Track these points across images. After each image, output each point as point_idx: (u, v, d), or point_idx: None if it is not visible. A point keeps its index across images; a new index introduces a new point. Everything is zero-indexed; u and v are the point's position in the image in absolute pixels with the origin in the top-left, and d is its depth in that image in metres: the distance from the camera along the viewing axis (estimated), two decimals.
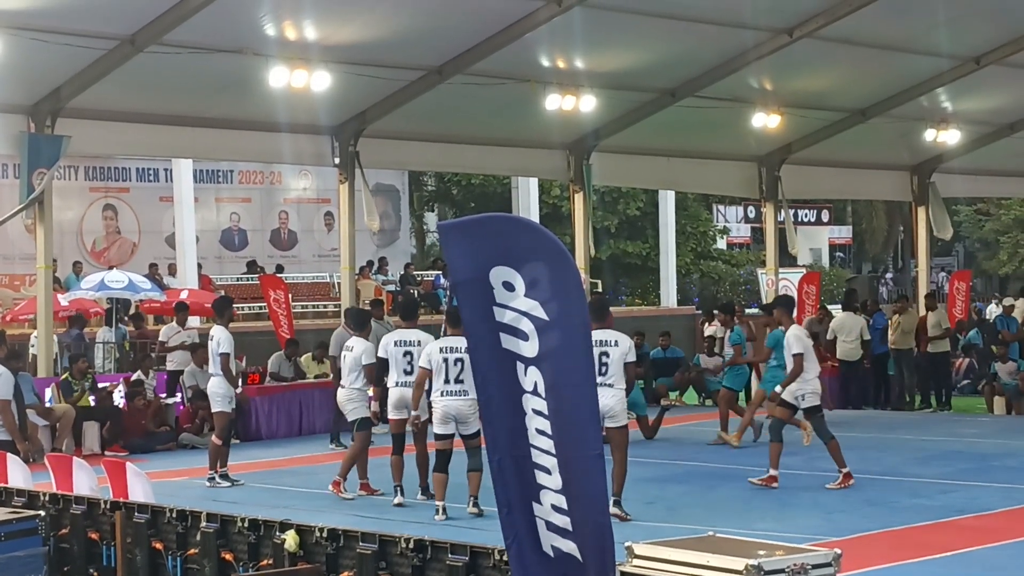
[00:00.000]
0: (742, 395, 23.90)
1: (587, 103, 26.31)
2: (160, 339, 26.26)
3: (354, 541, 10.13)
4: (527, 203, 43.82)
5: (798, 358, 17.20)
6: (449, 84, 25.20)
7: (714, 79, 27.11)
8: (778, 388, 17.43)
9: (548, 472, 6.89)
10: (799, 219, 55.85)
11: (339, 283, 32.30)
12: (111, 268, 32.07)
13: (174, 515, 11.68)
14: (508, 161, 30.62)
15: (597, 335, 14.34)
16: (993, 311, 39.05)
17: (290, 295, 29.35)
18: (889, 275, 69.20)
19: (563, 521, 6.95)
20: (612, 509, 14.02)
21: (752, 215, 60.00)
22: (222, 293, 28.70)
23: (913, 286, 38.15)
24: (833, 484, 17.10)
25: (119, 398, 23.92)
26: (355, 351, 16.98)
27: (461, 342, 14.86)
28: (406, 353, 16.33)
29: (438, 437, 15.42)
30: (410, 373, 16.26)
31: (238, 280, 39.38)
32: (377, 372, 16.71)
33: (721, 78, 27.03)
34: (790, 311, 18.68)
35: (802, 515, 15.34)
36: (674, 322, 36.41)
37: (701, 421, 24.67)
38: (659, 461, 19.91)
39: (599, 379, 14.22)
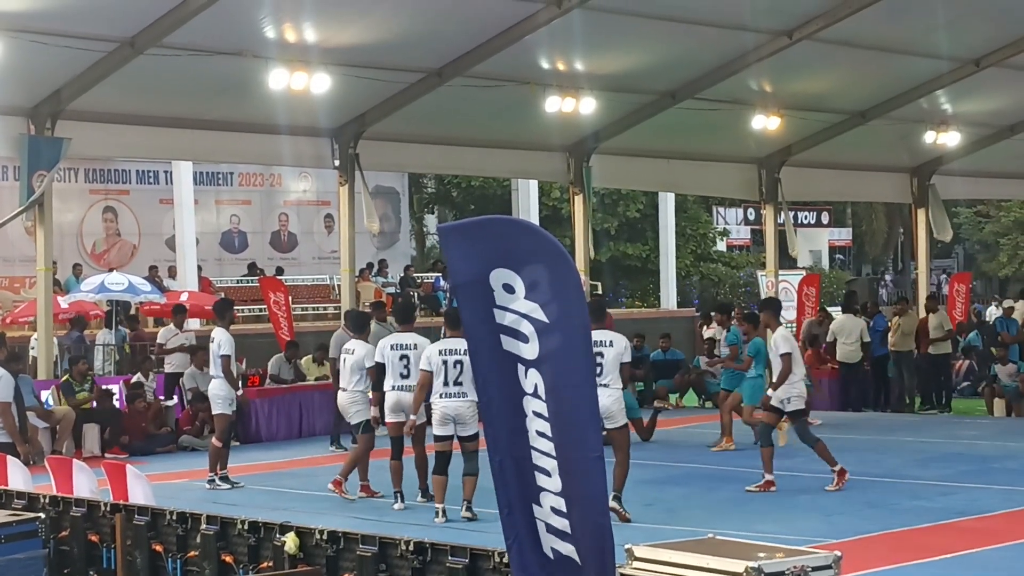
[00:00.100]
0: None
1: (587, 105, 26.32)
2: (158, 341, 26.26)
3: (354, 543, 10.13)
4: (527, 205, 43.81)
5: (787, 358, 17.16)
6: (449, 86, 25.21)
7: (714, 81, 27.13)
8: (769, 391, 17.36)
9: (548, 474, 6.89)
10: (799, 221, 55.91)
11: (339, 285, 32.32)
12: (111, 270, 32.06)
13: (174, 517, 11.67)
14: (508, 163, 30.63)
15: (593, 336, 14.34)
16: (993, 313, 39.07)
17: (290, 297, 29.36)
18: (889, 277, 69.21)
19: (562, 524, 6.95)
20: (611, 504, 14.04)
21: (752, 217, 60.05)
22: (222, 295, 28.66)
23: (913, 288, 38.15)
24: (831, 486, 17.08)
25: (115, 401, 23.92)
26: (356, 354, 16.97)
27: (460, 344, 14.87)
28: (402, 357, 16.33)
29: (437, 439, 15.43)
30: (406, 376, 16.26)
31: (238, 282, 39.38)
32: (375, 376, 16.70)
33: (721, 80, 27.04)
34: (778, 314, 18.66)
35: (802, 517, 15.34)
36: (674, 324, 36.40)
37: (701, 423, 24.68)
38: (658, 463, 19.91)
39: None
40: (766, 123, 28.77)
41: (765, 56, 25.88)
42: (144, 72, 22.54)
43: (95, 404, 23.32)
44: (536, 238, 6.97)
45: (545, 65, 25.69)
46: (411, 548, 9.69)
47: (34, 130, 23.42)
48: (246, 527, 10.98)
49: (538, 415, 6.86)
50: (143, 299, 29.90)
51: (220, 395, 18.30)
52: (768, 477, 17.13)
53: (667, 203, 47.22)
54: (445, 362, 15.20)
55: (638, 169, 31.54)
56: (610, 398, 14.69)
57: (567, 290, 6.84)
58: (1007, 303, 35.69)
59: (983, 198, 56.63)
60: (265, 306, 29.34)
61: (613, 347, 14.90)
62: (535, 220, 42.78)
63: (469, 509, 15.10)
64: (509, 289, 6.82)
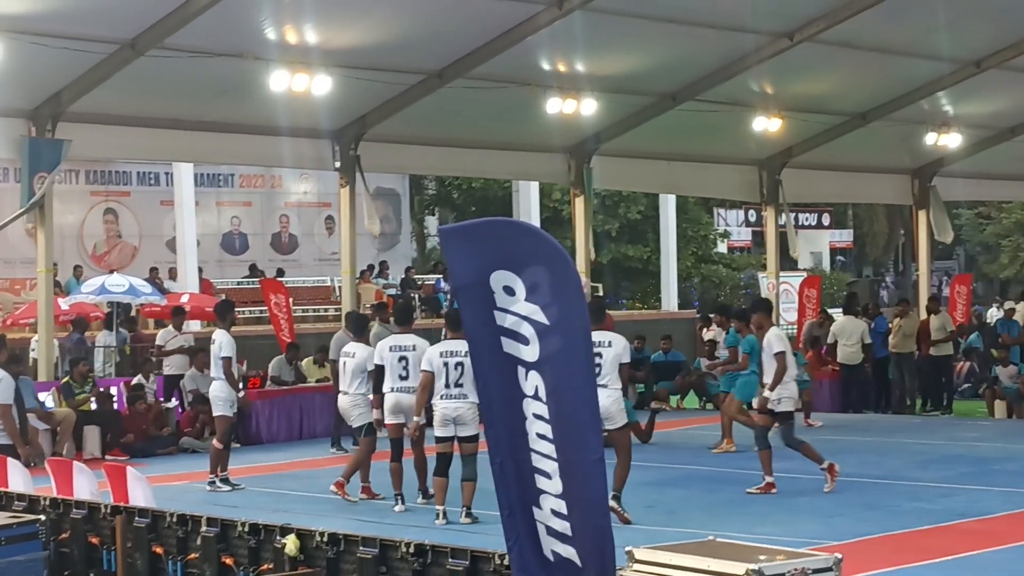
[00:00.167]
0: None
1: (588, 107, 26.33)
2: (157, 343, 26.27)
3: (354, 545, 10.13)
4: (528, 207, 43.79)
5: (781, 356, 17.12)
6: (450, 88, 25.22)
7: (715, 83, 27.14)
8: (767, 392, 17.25)
9: (548, 476, 6.89)
10: (800, 223, 55.86)
11: (340, 287, 32.31)
12: (112, 272, 32.05)
13: (174, 519, 11.68)
14: (509, 165, 30.64)
15: (592, 337, 14.36)
16: (994, 314, 39.03)
17: (291, 299, 29.35)
18: (890, 279, 69.20)
19: (563, 526, 6.94)
20: (610, 503, 14.03)
21: (753, 219, 60.01)
22: (223, 297, 28.66)
23: (914, 290, 38.15)
24: (828, 487, 17.03)
25: (115, 403, 23.93)
26: (357, 357, 16.95)
27: (461, 346, 14.86)
28: (401, 358, 16.32)
29: (438, 440, 15.44)
30: (405, 378, 16.26)
31: (239, 284, 39.37)
32: (375, 379, 16.68)
33: (722, 82, 27.05)
34: (769, 313, 18.64)
35: (802, 519, 15.33)
36: (675, 326, 36.38)
37: (701, 425, 24.66)
38: (659, 465, 19.90)
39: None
40: (767, 125, 28.79)
41: (766, 58, 25.89)
42: (145, 74, 22.55)
43: (95, 406, 23.31)
44: (536, 240, 6.97)
45: (546, 66, 25.69)
46: (411, 550, 9.70)
47: (35, 132, 23.43)
48: (246, 529, 10.98)
49: (538, 417, 6.86)
50: (144, 301, 29.90)
51: (221, 397, 18.30)
52: (768, 479, 17.12)
53: (668, 205, 47.19)
54: (446, 364, 15.21)
55: (639, 171, 31.54)
56: (609, 399, 14.69)
57: (567, 292, 6.84)
58: (1008, 305, 35.68)
59: (984, 200, 56.61)
60: (266, 308, 29.34)
61: (612, 348, 14.91)
62: (536, 222, 42.76)
63: (469, 515, 15.09)
64: (510, 291, 6.82)
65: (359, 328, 17.92)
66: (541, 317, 6.78)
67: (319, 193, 44.37)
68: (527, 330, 6.81)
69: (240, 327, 26.97)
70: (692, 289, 52.95)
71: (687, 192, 42.62)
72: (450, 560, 9.39)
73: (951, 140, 31.76)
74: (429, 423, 15.82)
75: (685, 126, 28.66)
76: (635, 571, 7.59)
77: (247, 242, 44.40)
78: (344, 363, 17.20)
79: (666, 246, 47.42)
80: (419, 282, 41.00)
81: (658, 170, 31.56)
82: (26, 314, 30.14)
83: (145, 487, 13.41)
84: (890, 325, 28.64)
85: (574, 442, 6.86)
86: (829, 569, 7.53)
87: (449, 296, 36.14)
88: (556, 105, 26.15)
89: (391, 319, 22.26)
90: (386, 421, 16.56)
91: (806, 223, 61.95)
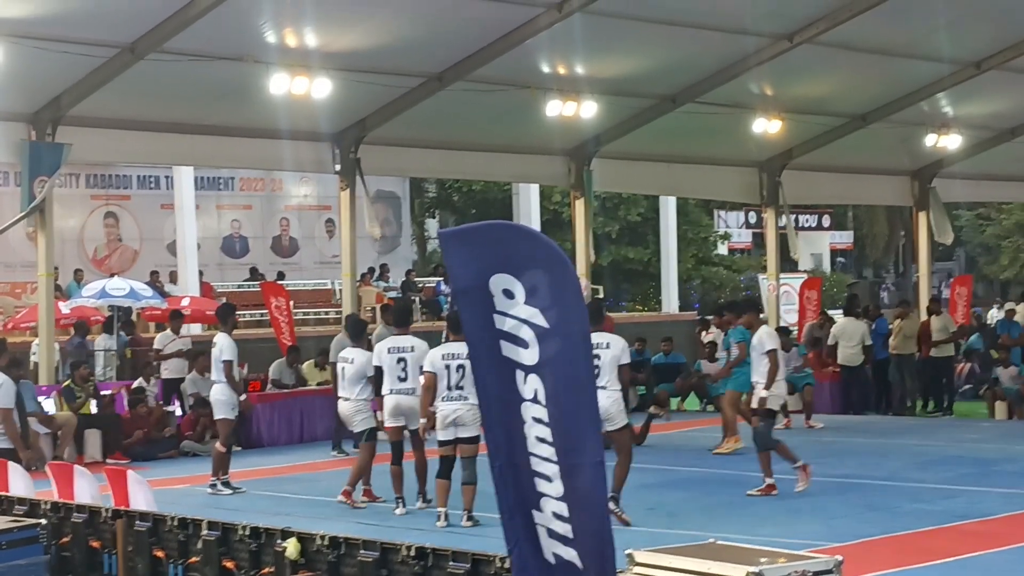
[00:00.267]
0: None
1: (588, 109, 26.33)
2: (155, 347, 26.29)
3: (355, 549, 10.11)
4: (528, 209, 43.81)
5: (773, 354, 17.14)
6: (450, 91, 25.22)
7: (715, 85, 27.14)
8: (763, 393, 17.20)
9: (549, 480, 6.88)
10: (800, 224, 55.85)
11: (340, 290, 32.31)
12: (112, 276, 32.04)
13: (175, 523, 11.66)
14: (509, 168, 30.65)
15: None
16: (994, 316, 39.04)
17: (291, 302, 29.36)
18: (890, 280, 69.21)
19: (564, 528, 6.94)
20: (609, 505, 14.03)
21: (753, 220, 60.02)
22: (223, 300, 28.68)
23: (914, 291, 38.15)
24: (800, 486, 16.94)
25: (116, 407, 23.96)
26: (357, 363, 16.92)
27: (462, 348, 14.86)
28: (400, 360, 16.32)
29: (441, 444, 15.49)
30: (404, 380, 16.28)
31: (239, 287, 39.37)
32: (375, 381, 16.69)
33: (722, 84, 27.05)
34: (758, 312, 18.63)
35: (803, 521, 15.35)
36: (676, 328, 36.36)
37: (702, 427, 24.68)
38: (660, 467, 19.91)
39: None
40: (767, 126, 28.79)
41: (766, 60, 25.89)
42: (145, 77, 22.56)
43: (96, 409, 23.32)
44: (536, 243, 6.96)
45: (546, 69, 25.70)
46: (412, 553, 9.68)
47: (35, 136, 23.45)
48: (247, 533, 10.97)
49: (538, 421, 6.85)
50: (144, 304, 29.89)
51: (222, 400, 18.31)
52: (769, 481, 17.13)
53: (668, 207, 47.22)
54: (448, 366, 15.25)
55: (639, 173, 31.55)
56: (608, 399, 14.75)
57: (567, 295, 6.83)
58: (1008, 306, 35.69)
59: (984, 201, 56.61)
60: (266, 311, 29.35)
61: (610, 349, 14.96)
62: (536, 224, 42.81)
63: (470, 518, 15.11)
64: (509, 294, 6.82)
65: (357, 332, 17.92)
66: (540, 320, 6.78)
67: (319, 196, 44.40)
68: (526, 333, 6.80)
69: (241, 330, 26.97)
70: (693, 291, 52.96)
71: (687, 194, 42.65)
72: (451, 563, 9.37)
73: (951, 141, 31.75)
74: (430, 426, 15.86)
75: (685, 128, 28.67)
76: (635, 574, 7.57)
77: (247, 245, 44.42)
78: (343, 368, 17.15)
79: (666, 248, 47.45)
80: (420, 285, 41.01)
81: (658, 172, 31.57)
82: (27, 318, 30.15)
83: (146, 491, 13.39)
84: (890, 327, 28.65)
85: (574, 445, 6.85)
86: (830, 571, 7.51)
87: (450, 299, 36.14)
88: (556, 107, 26.16)
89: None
90: (386, 424, 16.58)
91: (806, 225, 61.96)
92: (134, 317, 31.64)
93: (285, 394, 25.32)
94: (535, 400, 6.83)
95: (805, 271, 47.81)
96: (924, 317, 29.65)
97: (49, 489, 14.58)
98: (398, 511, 16.26)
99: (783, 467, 17.72)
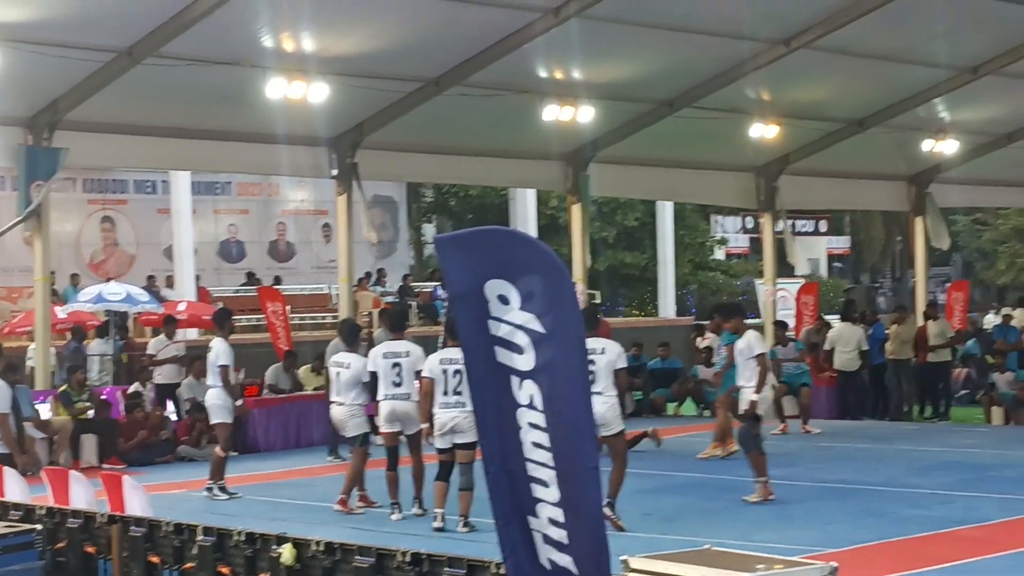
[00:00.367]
0: None
1: (585, 114, 26.34)
2: (149, 352, 26.27)
3: (351, 555, 10.11)
4: (525, 214, 43.84)
5: (763, 358, 17.13)
6: (447, 96, 25.22)
7: (712, 90, 27.15)
8: (753, 397, 17.15)
9: (545, 485, 6.88)
10: (797, 229, 55.88)
11: (337, 295, 32.29)
12: (109, 280, 32.04)
13: (171, 528, 11.66)
14: (506, 172, 30.63)
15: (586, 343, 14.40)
16: (991, 321, 39.05)
17: (288, 307, 29.34)
18: (887, 285, 69.24)
19: (559, 534, 6.94)
20: (604, 510, 14.03)
21: (750, 225, 60.04)
22: (220, 305, 28.68)
23: (911, 296, 38.16)
24: (751, 497, 16.90)
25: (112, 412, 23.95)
26: (353, 368, 16.90)
27: (460, 354, 14.86)
28: (395, 365, 16.31)
29: (439, 451, 15.49)
30: (399, 385, 16.27)
31: (236, 292, 39.36)
32: (370, 386, 16.68)
33: (719, 89, 27.06)
34: (743, 317, 18.60)
35: (800, 526, 15.33)
36: (672, 333, 36.40)
37: (699, 432, 24.63)
38: (656, 472, 19.88)
39: None
40: (764, 131, 28.79)
41: (763, 65, 25.90)
42: (142, 82, 22.55)
43: (92, 414, 23.30)
44: (531, 249, 6.96)
45: (543, 74, 25.70)
46: (408, 559, 9.68)
47: (32, 140, 23.43)
48: (243, 538, 10.96)
49: (534, 426, 6.86)
50: (141, 309, 29.86)
51: (219, 404, 18.30)
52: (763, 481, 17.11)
53: (665, 212, 47.22)
54: (445, 371, 15.26)
55: (636, 178, 31.55)
56: (604, 405, 14.75)
57: (562, 301, 6.83)
58: (1005, 311, 35.72)
59: (981, 206, 56.63)
60: (263, 316, 29.33)
61: (605, 354, 14.95)
62: (533, 229, 42.86)
63: (467, 524, 15.09)
64: (504, 300, 6.82)
65: (351, 337, 17.88)
66: (536, 326, 6.78)
67: (316, 201, 44.40)
68: (522, 339, 6.80)
69: (237, 335, 26.97)
70: (689, 296, 52.97)
71: (684, 199, 42.66)
72: (447, 569, 9.38)
73: (948, 146, 31.76)
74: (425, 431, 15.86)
75: (682, 133, 28.67)
76: None
77: (244, 250, 44.43)
78: (338, 373, 17.12)
79: (663, 253, 47.45)
80: (416, 290, 41.01)
81: (655, 177, 31.58)
82: (23, 322, 30.15)
83: (142, 496, 13.38)
84: (887, 332, 28.65)
85: (570, 450, 6.85)
86: None
87: (447, 304, 36.14)
88: (553, 112, 26.17)
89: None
90: (382, 429, 16.57)
91: (803, 229, 61.98)
92: (130, 322, 31.63)
93: (281, 399, 25.29)
94: (531, 406, 6.84)
95: (802, 276, 47.85)
96: (921, 322, 29.65)
97: (45, 494, 14.57)
98: (394, 516, 16.24)
99: (781, 472, 17.73)
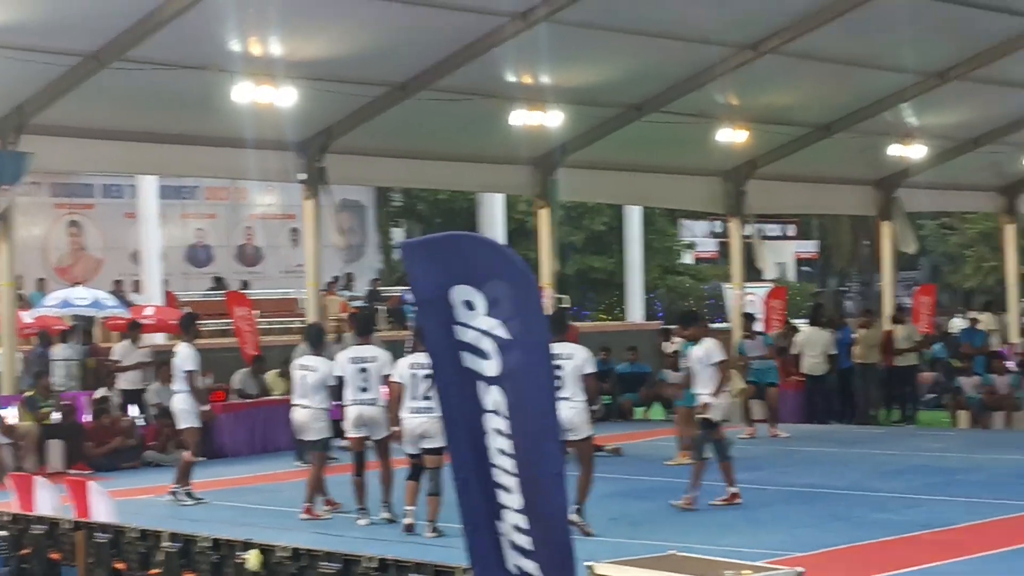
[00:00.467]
0: None
1: (553, 118, 26.32)
2: (114, 357, 26.17)
3: (317, 560, 10.08)
4: (493, 218, 43.80)
5: (724, 365, 17.17)
6: (415, 100, 25.20)
7: (680, 94, 27.18)
8: (710, 400, 17.15)
9: (509, 491, 6.88)
10: (765, 233, 55.97)
11: (305, 299, 32.18)
12: (76, 285, 31.91)
13: (136, 535, 11.61)
14: (474, 177, 30.60)
15: (553, 349, 14.43)
16: (958, 325, 39.18)
17: (256, 311, 29.27)
18: (855, 289, 69.38)
19: (524, 540, 6.93)
20: (572, 516, 14.05)
21: (719, 230, 60.10)
22: (187, 310, 28.56)
23: (878, 300, 38.25)
24: (678, 502, 16.93)
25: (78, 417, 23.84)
26: (320, 371, 16.89)
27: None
28: (362, 370, 16.29)
29: (409, 455, 15.52)
30: (366, 390, 16.26)
31: (204, 296, 39.24)
32: (336, 390, 16.66)
33: (687, 93, 27.10)
34: (704, 324, 18.63)
35: (767, 530, 15.35)
36: (641, 337, 36.37)
37: (667, 436, 24.63)
38: (624, 477, 19.90)
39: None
40: (732, 136, 28.81)
41: (730, 69, 25.95)
42: (109, 86, 22.47)
43: (58, 419, 23.20)
44: (497, 255, 6.95)
45: (511, 78, 25.68)
46: (375, 565, 9.66)
47: None
48: (209, 544, 10.92)
49: (498, 432, 6.85)
50: (108, 314, 29.76)
51: (185, 409, 18.27)
52: (732, 490, 17.13)
53: (633, 216, 47.24)
54: (415, 376, 15.26)
55: (604, 182, 31.53)
56: (572, 410, 14.77)
57: (528, 307, 6.82)
58: (972, 315, 35.85)
59: (947, 210, 56.80)
60: (231, 320, 29.25)
61: (573, 359, 14.96)
62: (501, 233, 42.84)
63: (434, 529, 15.09)
64: (470, 306, 6.81)
65: (317, 340, 17.86)
66: (502, 332, 6.77)
67: (284, 205, 44.26)
68: (487, 345, 6.80)
69: (205, 340, 26.88)
70: (658, 300, 53.01)
71: (652, 203, 42.69)
72: (413, 575, 9.35)
73: (914, 151, 31.86)
74: (393, 435, 15.86)
75: (650, 137, 28.68)
76: None
77: (212, 254, 44.30)
78: (304, 376, 17.10)
79: (631, 257, 47.46)
80: (385, 294, 40.91)
81: (623, 181, 31.57)
82: None
83: (107, 502, 13.34)
84: (855, 336, 28.73)
85: (535, 457, 6.84)
86: None
87: (415, 308, 36.04)
88: (521, 117, 26.15)
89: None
90: (349, 434, 16.55)
91: (771, 234, 62.06)
92: (97, 327, 31.48)
93: (249, 404, 25.23)
94: (496, 411, 6.83)
95: (770, 280, 47.92)
96: (888, 326, 29.74)
97: (9, 500, 14.51)
98: (361, 522, 16.22)
99: (748, 476, 17.75)
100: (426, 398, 15.09)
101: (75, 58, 22.05)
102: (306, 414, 17.01)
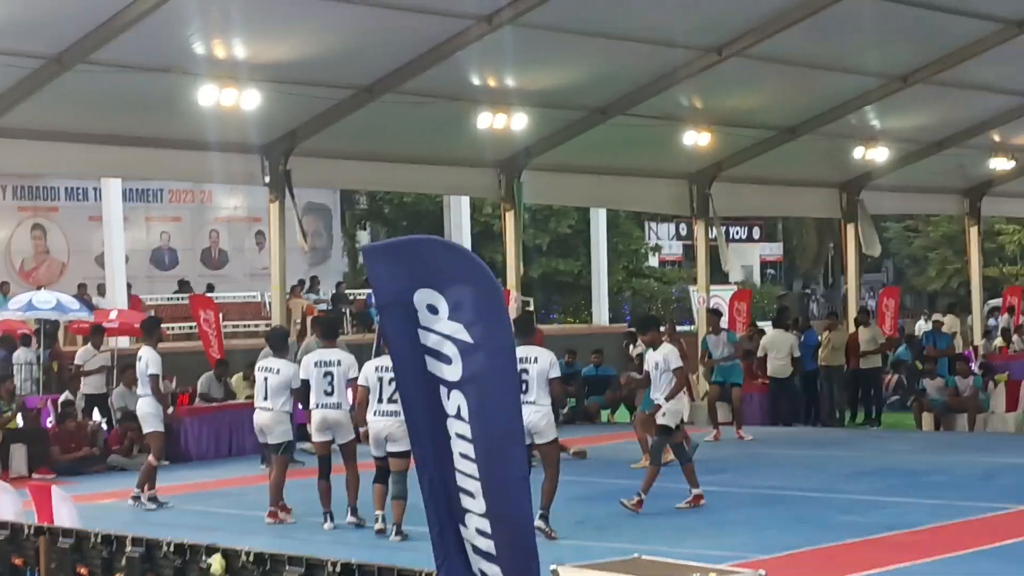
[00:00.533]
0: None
1: (518, 121, 26.29)
2: (76, 362, 26.07)
3: (281, 565, 10.03)
4: (459, 221, 43.80)
5: (680, 372, 17.20)
6: (380, 103, 25.13)
7: (645, 97, 27.18)
8: (663, 402, 17.16)
9: (472, 496, 6.86)
10: (730, 236, 56.12)
11: (270, 302, 32.14)
12: (40, 288, 31.78)
13: (99, 540, 11.54)
14: (440, 179, 30.56)
15: (519, 352, 14.48)
16: (922, 327, 39.35)
17: (221, 315, 29.19)
18: (820, 292, 69.63)
19: (487, 545, 6.91)
20: (537, 523, 14.06)
21: (684, 232, 60.25)
22: (151, 313, 28.48)
23: (843, 302, 38.42)
24: (628, 501, 16.96)
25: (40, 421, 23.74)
26: (283, 373, 16.85)
27: None
28: (326, 373, 16.28)
29: (376, 458, 15.52)
30: (330, 394, 16.24)
31: (169, 300, 39.13)
32: (302, 394, 16.63)
33: (652, 96, 27.09)
34: (659, 330, 18.63)
35: (732, 532, 15.39)
36: (606, 340, 36.44)
37: (633, 439, 24.65)
38: (589, 480, 19.92)
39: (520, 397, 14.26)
40: (697, 139, 28.82)
41: (695, 72, 25.97)
42: (72, 88, 22.35)
43: (21, 423, 23.10)
44: (461, 258, 6.93)
45: (476, 81, 25.67)
46: (338, 569, 9.62)
47: None
48: (172, 549, 10.87)
49: (461, 437, 6.83)
50: (72, 317, 29.64)
51: (150, 412, 18.23)
52: (696, 491, 17.16)
53: (598, 219, 47.30)
54: (380, 379, 15.27)
55: (569, 185, 31.51)
56: (537, 414, 14.79)
57: (491, 310, 6.80)
58: (936, 317, 36.00)
59: (912, 213, 57.05)
60: (195, 324, 29.17)
61: (538, 363, 14.99)
62: (467, 236, 42.84)
63: (399, 532, 15.08)
64: (433, 310, 6.78)
65: (280, 344, 17.80)
66: (465, 336, 6.74)
67: (249, 208, 44.19)
68: (450, 349, 6.77)
69: (169, 343, 26.87)
70: (625, 303, 53.09)
71: (617, 206, 42.73)
72: None
73: (879, 154, 31.94)
74: (360, 439, 15.87)
75: (615, 140, 28.69)
76: None
77: (177, 257, 44.18)
78: (266, 378, 17.04)
79: (597, 260, 47.51)
80: (351, 297, 40.89)
81: (588, 184, 31.56)
82: None
83: (70, 506, 13.25)
84: (819, 338, 28.82)
85: (497, 461, 6.82)
86: None
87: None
88: (486, 120, 26.11)
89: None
90: (313, 439, 16.53)
91: (736, 236, 62.25)
92: (60, 331, 31.38)
93: (213, 408, 25.16)
94: (459, 416, 6.81)
95: (736, 283, 48.04)
96: (852, 329, 29.84)
97: None
98: (326, 526, 16.20)
99: (713, 479, 17.78)
100: (392, 401, 15.07)
101: (38, 60, 21.93)
102: (269, 417, 16.96)
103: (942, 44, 26.74)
